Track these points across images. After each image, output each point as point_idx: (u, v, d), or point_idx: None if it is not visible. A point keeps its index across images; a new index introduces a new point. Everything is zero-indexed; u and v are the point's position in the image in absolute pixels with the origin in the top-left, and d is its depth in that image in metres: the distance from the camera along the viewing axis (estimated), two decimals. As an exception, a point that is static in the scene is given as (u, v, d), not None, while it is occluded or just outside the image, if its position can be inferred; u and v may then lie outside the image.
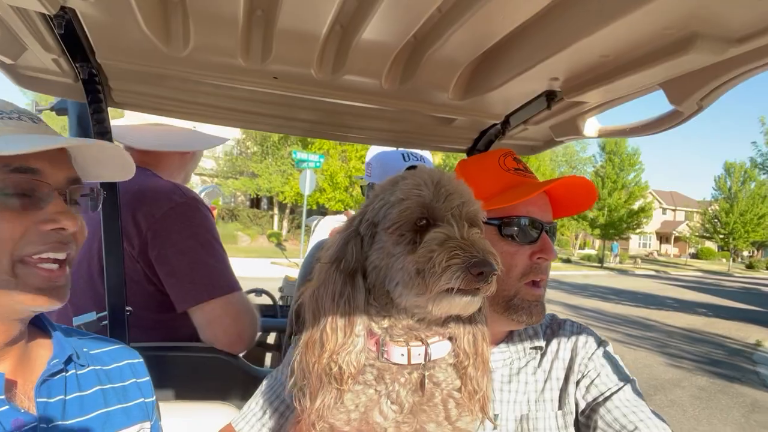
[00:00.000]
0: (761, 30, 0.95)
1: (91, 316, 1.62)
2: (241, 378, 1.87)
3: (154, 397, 1.24)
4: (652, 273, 40.04)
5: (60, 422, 0.98)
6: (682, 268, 49.42)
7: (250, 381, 1.89)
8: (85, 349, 1.13)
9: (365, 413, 0.91)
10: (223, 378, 1.86)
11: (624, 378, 1.22)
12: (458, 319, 0.96)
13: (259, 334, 1.94)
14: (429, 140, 2.14)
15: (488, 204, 1.21)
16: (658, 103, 1.45)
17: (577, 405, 1.22)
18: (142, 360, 1.26)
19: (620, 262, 47.11)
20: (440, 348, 0.96)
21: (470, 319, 0.97)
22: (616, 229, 41.74)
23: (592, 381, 1.22)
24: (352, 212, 2.91)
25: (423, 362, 0.93)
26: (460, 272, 0.81)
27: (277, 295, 4.64)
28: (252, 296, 4.41)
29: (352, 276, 0.93)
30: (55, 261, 0.94)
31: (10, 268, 0.90)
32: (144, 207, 1.71)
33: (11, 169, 0.90)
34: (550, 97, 1.52)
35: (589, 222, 42.57)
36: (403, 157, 2.48)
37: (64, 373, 1.05)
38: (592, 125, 1.74)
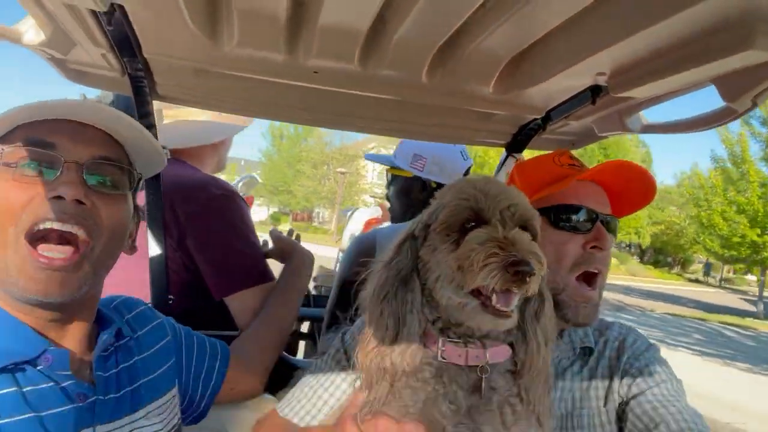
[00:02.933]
0: None
1: (136, 304, 1.67)
2: (276, 367, 1.91)
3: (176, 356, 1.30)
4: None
5: (113, 395, 1.04)
6: None
7: (286, 370, 1.92)
8: (126, 314, 1.18)
9: (424, 409, 0.92)
10: None
11: (666, 378, 1.21)
12: (517, 327, 0.96)
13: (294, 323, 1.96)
14: (466, 135, 2.12)
15: (537, 193, 1.21)
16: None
17: (619, 402, 1.22)
18: (162, 320, 1.30)
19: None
20: (499, 352, 0.96)
21: (529, 328, 0.97)
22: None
23: (635, 379, 1.21)
24: (387, 204, 2.87)
25: (480, 365, 0.94)
26: (497, 271, 0.80)
27: (311, 285, 4.71)
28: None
29: (407, 277, 0.95)
30: (59, 238, 0.92)
31: (15, 243, 0.90)
32: (181, 198, 1.75)
33: (28, 141, 0.93)
34: (595, 92, 1.49)
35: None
36: (462, 156, 2.44)
37: (113, 347, 1.10)
38: (637, 120, 1.69)
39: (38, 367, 0.93)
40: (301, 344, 3.72)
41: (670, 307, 22.56)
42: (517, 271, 0.79)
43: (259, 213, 53.11)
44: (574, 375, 1.27)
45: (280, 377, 1.87)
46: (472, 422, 0.92)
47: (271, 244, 1.96)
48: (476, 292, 0.86)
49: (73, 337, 1.03)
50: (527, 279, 0.81)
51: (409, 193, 2.37)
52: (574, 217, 1.24)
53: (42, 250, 0.91)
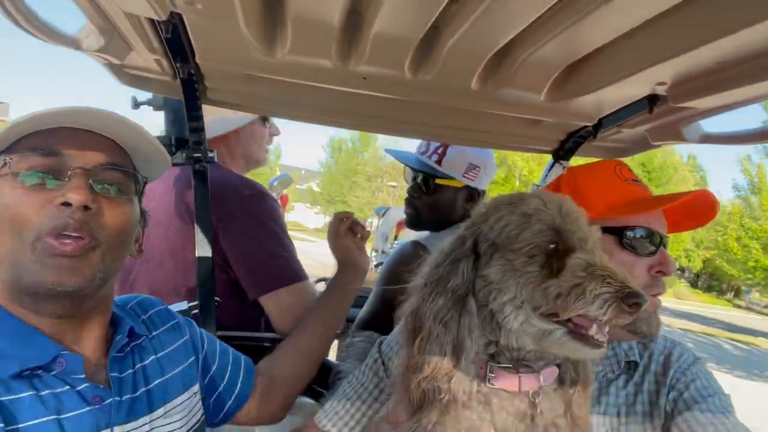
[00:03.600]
0: None
1: (183, 305, 1.71)
2: None
3: (195, 355, 1.30)
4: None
5: (130, 395, 1.05)
6: None
7: (322, 371, 1.92)
8: (141, 315, 1.20)
9: None
10: None
11: (713, 392, 1.17)
12: None
13: None
14: (513, 141, 2.09)
15: (611, 213, 1.18)
16: None
17: (665, 416, 1.18)
18: (179, 319, 1.31)
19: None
20: (549, 375, 0.94)
21: None
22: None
23: (681, 394, 1.17)
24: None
25: (533, 390, 0.92)
26: (613, 301, 0.78)
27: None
28: (321, 284, 4.51)
29: (463, 298, 0.91)
30: (66, 237, 0.94)
31: (31, 245, 0.92)
32: (214, 199, 1.77)
33: (35, 151, 0.95)
34: (652, 101, 1.44)
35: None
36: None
37: (128, 347, 1.11)
38: (695, 130, 1.63)
39: (53, 372, 0.95)
40: (334, 343, 3.74)
41: (689, 324, 22.51)
42: (633, 303, 0.78)
43: (315, 220, 58.09)
44: (618, 389, 1.23)
45: (317, 378, 1.88)
46: None
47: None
48: (565, 320, 0.84)
49: (87, 340, 1.04)
50: (640, 311, 0.79)
51: (455, 203, 2.31)
52: (643, 240, 1.20)
53: (51, 240, 0.93)
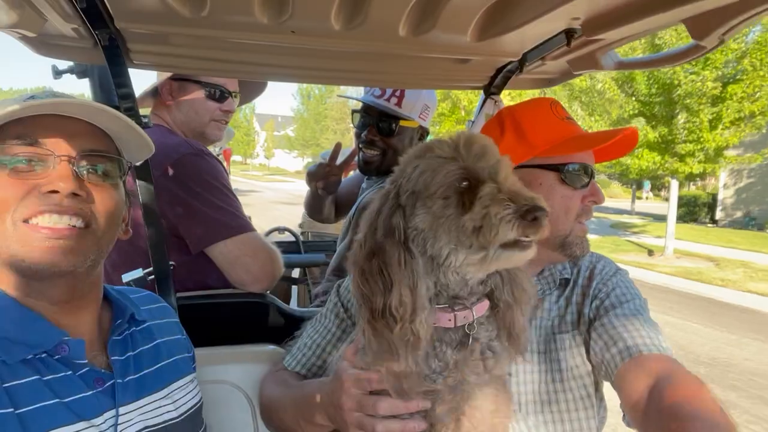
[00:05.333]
0: None
1: (139, 273, 1.73)
2: (274, 316, 2.00)
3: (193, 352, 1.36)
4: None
5: (132, 376, 1.09)
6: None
7: (284, 318, 2.00)
8: (140, 307, 1.22)
9: (417, 369, 0.99)
10: (258, 319, 1.98)
11: (630, 298, 1.31)
12: (495, 273, 1.03)
13: (283, 270, 2.02)
14: (445, 80, 2.14)
15: (555, 151, 1.28)
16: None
17: (588, 323, 1.31)
18: (177, 319, 1.37)
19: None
20: (481, 308, 1.04)
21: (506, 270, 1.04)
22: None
23: (603, 301, 1.31)
24: (374, 152, 2.82)
25: (467, 323, 1.02)
26: (516, 221, 0.86)
27: (297, 230, 4.75)
28: (275, 234, 4.53)
29: (407, 245, 0.97)
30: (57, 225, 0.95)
31: (12, 227, 0.94)
32: (154, 159, 1.77)
33: (20, 139, 0.96)
34: (569, 34, 1.51)
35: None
36: None
37: (127, 331, 1.15)
38: (610, 58, 1.73)
39: (56, 357, 0.97)
40: (294, 289, 3.83)
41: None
42: (534, 217, 0.86)
43: (294, 163, 64.65)
44: (552, 303, 1.36)
45: (280, 326, 1.97)
46: (459, 373, 1.01)
47: None
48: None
49: (84, 325, 1.07)
50: (543, 222, 0.88)
51: (412, 143, 2.38)
52: (578, 174, 1.31)
53: (42, 223, 0.94)
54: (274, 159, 69.61)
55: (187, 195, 1.84)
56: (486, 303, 1.05)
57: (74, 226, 0.96)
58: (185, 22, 1.43)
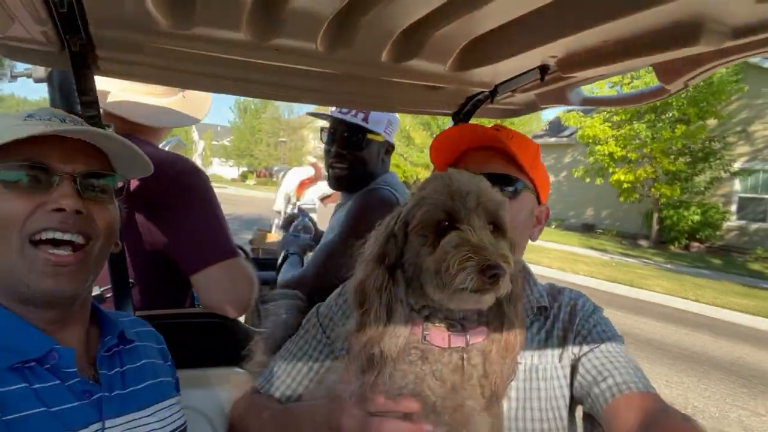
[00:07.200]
0: (759, 25, 1.03)
1: (95, 291, 1.64)
2: (241, 340, 1.93)
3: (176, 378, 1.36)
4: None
5: (119, 391, 1.09)
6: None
7: (247, 339, 1.95)
8: (130, 329, 1.22)
9: (415, 388, 1.02)
10: (218, 339, 1.91)
11: (612, 336, 1.37)
12: (490, 308, 1.05)
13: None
14: (418, 105, 2.18)
15: None
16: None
17: (572, 359, 1.36)
18: (164, 346, 1.36)
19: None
20: (477, 333, 1.06)
21: (500, 308, 1.06)
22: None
23: (585, 338, 1.36)
24: (321, 164, 2.99)
25: (462, 346, 1.04)
26: (474, 274, 0.90)
27: (248, 247, 4.66)
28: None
29: (392, 271, 1.02)
30: (61, 243, 1.00)
31: (20, 248, 0.97)
32: (149, 176, 1.71)
33: (24, 158, 1.00)
34: (543, 70, 1.58)
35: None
36: None
37: (116, 349, 1.15)
38: (577, 94, 1.81)
39: (45, 366, 0.98)
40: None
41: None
42: (492, 274, 0.89)
43: (231, 172, 68.74)
44: (533, 336, 1.40)
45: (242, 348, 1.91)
46: (457, 396, 1.03)
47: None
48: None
49: (74, 335, 1.08)
50: (499, 281, 0.91)
51: (378, 156, 2.51)
52: None
53: (47, 249, 0.98)
54: (211, 167, 73.00)
55: (181, 215, 1.78)
56: (483, 330, 1.07)
57: (77, 244, 1.00)
58: (163, 34, 1.39)
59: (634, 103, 1.69)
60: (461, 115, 2.16)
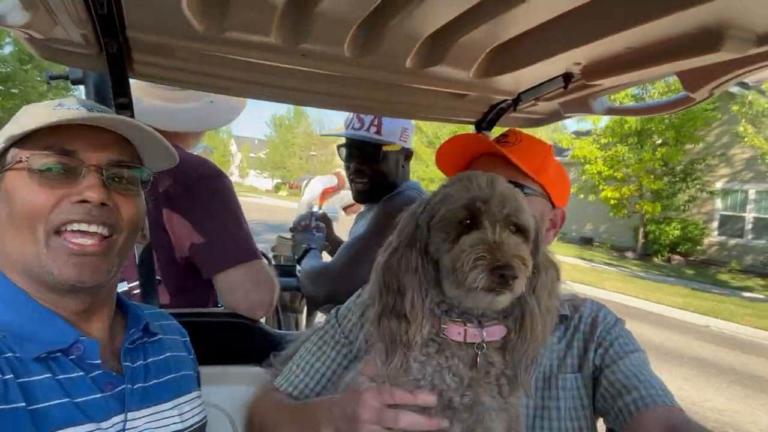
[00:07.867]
0: None
1: (123, 286, 1.69)
2: (260, 341, 1.96)
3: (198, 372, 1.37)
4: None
5: (142, 384, 1.10)
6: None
7: (269, 343, 1.97)
8: (154, 322, 1.23)
9: (432, 381, 1.03)
10: (243, 341, 1.94)
11: (635, 349, 1.36)
12: (510, 305, 1.05)
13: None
14: (441, 113, 2.20)
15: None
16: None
17: (593, 370, 1.35)
18: (187, 338, 1.38)
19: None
20: (494, 331, 1.07)
21: (520, 304, 1.06)
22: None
23: (607, 350, 1.35)
24: (342, 172, 3.06)
25: (478, 342, 1.04)
26: (484, 273, 0.92)
27: (270, 254, 4.70)
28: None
29: (417, 263, 1.04)
30: (86, 234, 1.00)
31: (45, 239, 0.98)
32: (173, 178, 1.75)
33: (51, 148, 1.00)
34: (567, 78, 1.59)
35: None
36: None
37: (140, 342, 1.16)
38: (601, 103, 1.82)
39: (70, 357, 0.99)
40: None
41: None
42: (501, 274, 0.91)
43: (265, 183, 75.11)
44: (553, 344, 1.39)
45: (264, 350, 1.93)
46: (473, 393, 1.03)
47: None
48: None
49: (99, 327, 1.09)
50: (510, 282, 0.92)
51: (398, 165, 2.56)
52: None
53: (71, 238, 0.98)
54: (247, 178, 78.63)
55: (204, 217, 1.82)
56: (500, 328, 1.07)
57: (101, 235, 1.00)
58: (197, 37, 1.44)
59: (660, 112, 1.69)
60: (484, 123, 2.17)
